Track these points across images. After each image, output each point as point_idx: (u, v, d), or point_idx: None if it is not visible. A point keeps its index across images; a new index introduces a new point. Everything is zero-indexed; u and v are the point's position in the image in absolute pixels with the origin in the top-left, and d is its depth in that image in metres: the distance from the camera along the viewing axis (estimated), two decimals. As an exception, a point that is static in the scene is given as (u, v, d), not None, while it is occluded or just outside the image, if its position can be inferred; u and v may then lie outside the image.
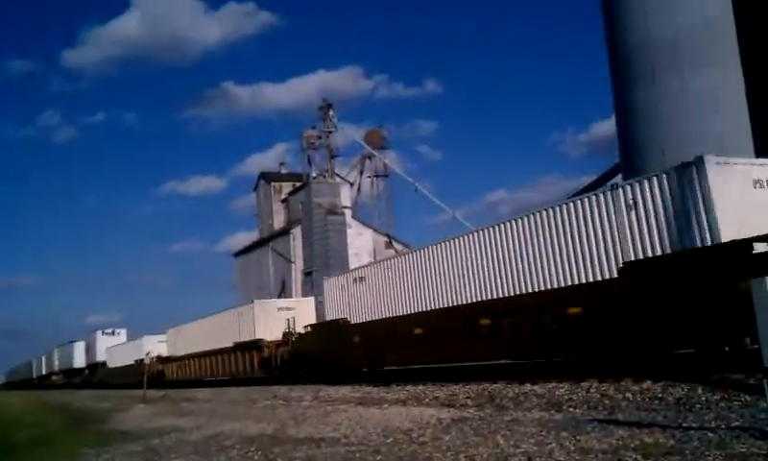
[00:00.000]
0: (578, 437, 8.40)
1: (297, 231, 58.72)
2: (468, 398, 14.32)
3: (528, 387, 13.89)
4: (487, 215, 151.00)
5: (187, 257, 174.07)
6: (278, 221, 67.05)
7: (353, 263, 47.88)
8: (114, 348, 58.96)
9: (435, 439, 9.59)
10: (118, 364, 54.68)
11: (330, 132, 59.72)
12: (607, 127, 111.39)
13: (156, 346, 45.91)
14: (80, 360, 70.36)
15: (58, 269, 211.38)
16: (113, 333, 64.09)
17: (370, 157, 66.25)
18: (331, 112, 59.60)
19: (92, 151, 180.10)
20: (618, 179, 34.54)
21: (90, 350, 67.23)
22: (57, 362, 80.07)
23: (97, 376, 62.13)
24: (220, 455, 10.48)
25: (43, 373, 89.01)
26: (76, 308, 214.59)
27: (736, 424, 8.16)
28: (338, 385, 21.18)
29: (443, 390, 15.94)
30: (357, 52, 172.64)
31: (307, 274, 54.71)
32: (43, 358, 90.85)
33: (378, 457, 8.61)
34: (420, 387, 17.15)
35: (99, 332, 64.85)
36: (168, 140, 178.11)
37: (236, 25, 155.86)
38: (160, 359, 44.00)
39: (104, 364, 60.30)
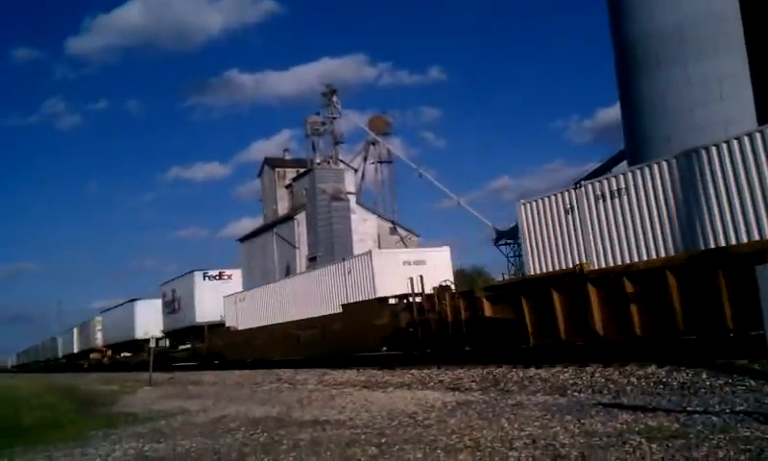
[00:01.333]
0: (582, 421, 8.45)
1: (301, 217, 58.92)
2: (472, 381, 14.39)
3: (533, 371, 13.96)
4: (491, 202, 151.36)
5: (192, 243, 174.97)
6: (283, 207, 67.26)
7: (357, 249, 47.98)
8: (250, 294, 35.28)
9: (440, 422, 9.65)
10: (264, 321, 31.60)
11: (334, 118, 59.92)
12: (612, 114, 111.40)
13: (397, 269, 22.96)
14: (146, 327, 45.94)
15: (61, 255, 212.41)
16: (220, 277, 40.32)
17: (374, 144, 66.40)
18: (335, 98, 59.77)
19: (96, 138, 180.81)
20: (623, 165, 34.56)
21: (179, 307, 42.23)
22: (98, 335, 58.94)
23: (209, 345, 36.96)
24: (226, 437, 10.55)
25: (75, 350, 68.40)
26: (79, 294, 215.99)
27: (741, 408, 8.20)
28: (343, 369, 21.27)
29: (447, 374, 16.02)
30: (361, 39, 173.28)
31: (312, 259, 54.90)
32: (74, 332, 69.80)
33: (383, 439, 8.66)
34: (425, 371, 17.23)
35: (197, 275, 39.96)
36: (171, 128, 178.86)
37: (239, 13, 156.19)
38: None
39: (216, 326, 37.16)
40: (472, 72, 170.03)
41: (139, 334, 46.82)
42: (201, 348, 38.05)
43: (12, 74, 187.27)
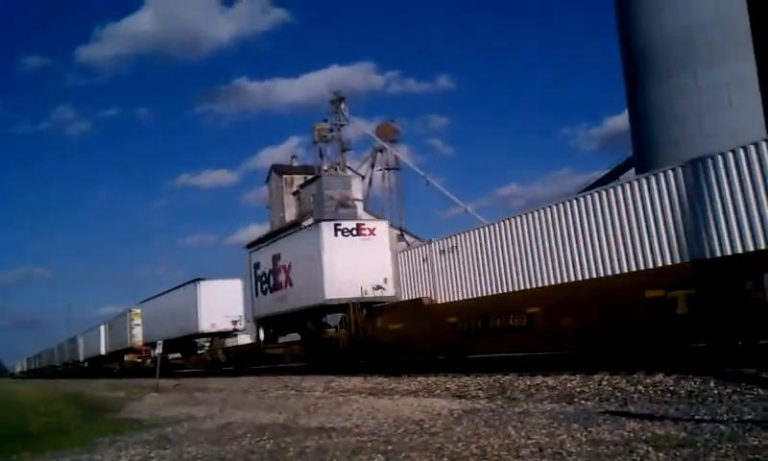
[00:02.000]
0: (589, 429, 8.41)
1: (308, 224, 58.91)
2: (479, 389, 14.34)
3: (540, 379, 13.90)
4: (498, 209, 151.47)
5: (200, 250, 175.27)
6: (290, 213, 67.38)
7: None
8: (468, 237, 21.74)
9: (446, 430, 9.62)
10: (514, 283, 19.52)
11: (342, 125, 59.88)
12: (619, 122, 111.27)
13: None
14: (214, 316, 35.74)
15: (70, 261, 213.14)
16: (359, 232, 25.43)
17: (381, 151, 66.32)
18: (343, 105, 59.72)
19: (105, 145, 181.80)
20: (631, 173, 34.47)
21: (288, 280, 27.89)
22: (137, 331, 47.37)
23: (359, 333, 23.36)
24: (232, 444, 10.55)
25: (102, 352, 57.00)
26: (87, 301, 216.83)
27: (749, 417, 8.15)
28: (349, 376, 21.25)
29: (454, 381, 15.98)
30: (370, 48, 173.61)
31: (319, 266, 54.84)
32: (102, 329, 57.41)
33: (389, 447, 8.65)
34: (432, 378, 17.19)
35: (327, 228, 25.53)
36: (180, 135, 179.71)
37: (249, 21, 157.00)
38: None
39: (368, 305, 23.79)
40: (480, 80, 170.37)
41: (204, 327, 35.85)
42: (338, 338, 24.87)
43: (23, 81, 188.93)
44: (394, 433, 9.80)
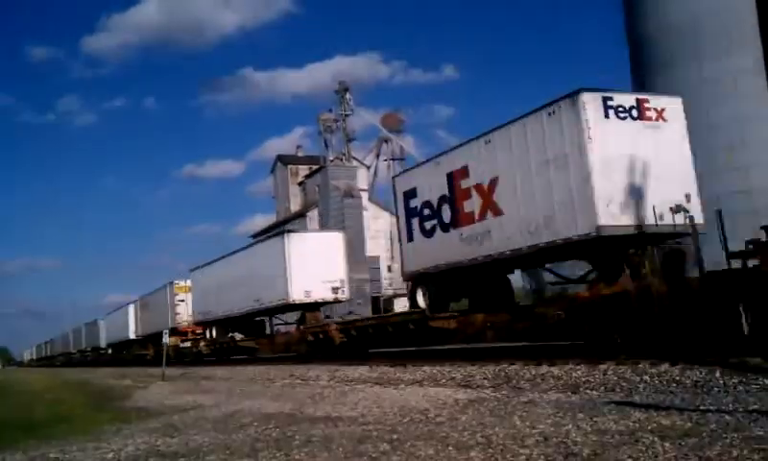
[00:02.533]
0: (595, 418, 8.42)
1: (313, 214, 59.00)
2: (484, 378, 14.35)
3: (545, 368, 13.89)
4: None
5: (205, 240, 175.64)
6: (295, 203, 67.45)
7: (370, 247, 47.95)
8: None
9: (451, 419, 9.64)
10: None
11: (347, 115, 59.90)
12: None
13: None
14: (309, 280, 26.84)
15: (77, 251, 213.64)
16: (641, 114, 15.19)
17: (386, 141, 66.35)
18: (348, 95, 59.72)
19: (111, 135, 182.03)
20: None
21: (490, 205, 17.19)
22: (182, 308, 38.92)
23: None
24: (238, 432, 10.59)
25: (131, 336, 48.45)
26: (93, 290, 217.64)
27: (754, 407, 8.15)
28: (355, 365, 21.30)
29: (459, 370, 15.97)
30: (375, 38, 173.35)
31: (324, 256, 54.86)
32: (131, 309, 48.97)
33: (395, 436, 8.67)
34: (437, 368, 17.20)
35: (590, 100, 14.67)
36: (186, 125, 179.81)
37: (255, 11, 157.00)
38: None
39: None
40: (485, 70, 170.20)
41: (297, 295, 26.61)
42: (655, 288, 13.87)
43: (29, 72, 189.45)
44: (399, 422, 9.83)
